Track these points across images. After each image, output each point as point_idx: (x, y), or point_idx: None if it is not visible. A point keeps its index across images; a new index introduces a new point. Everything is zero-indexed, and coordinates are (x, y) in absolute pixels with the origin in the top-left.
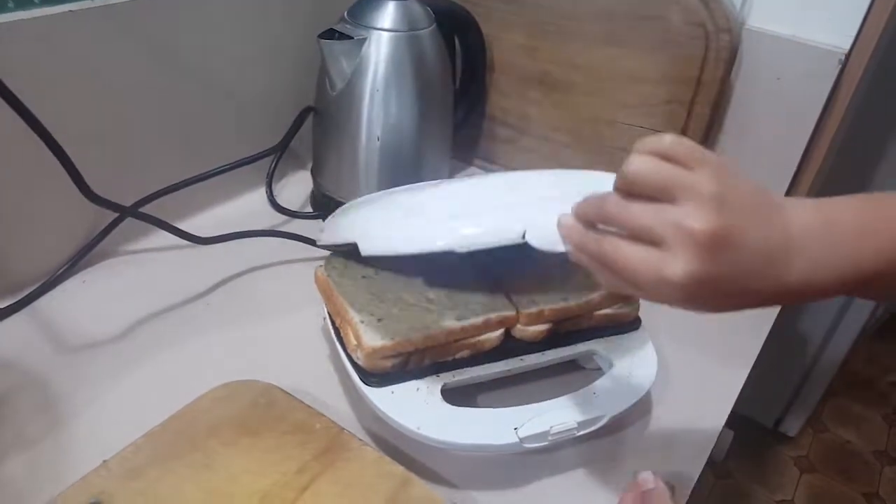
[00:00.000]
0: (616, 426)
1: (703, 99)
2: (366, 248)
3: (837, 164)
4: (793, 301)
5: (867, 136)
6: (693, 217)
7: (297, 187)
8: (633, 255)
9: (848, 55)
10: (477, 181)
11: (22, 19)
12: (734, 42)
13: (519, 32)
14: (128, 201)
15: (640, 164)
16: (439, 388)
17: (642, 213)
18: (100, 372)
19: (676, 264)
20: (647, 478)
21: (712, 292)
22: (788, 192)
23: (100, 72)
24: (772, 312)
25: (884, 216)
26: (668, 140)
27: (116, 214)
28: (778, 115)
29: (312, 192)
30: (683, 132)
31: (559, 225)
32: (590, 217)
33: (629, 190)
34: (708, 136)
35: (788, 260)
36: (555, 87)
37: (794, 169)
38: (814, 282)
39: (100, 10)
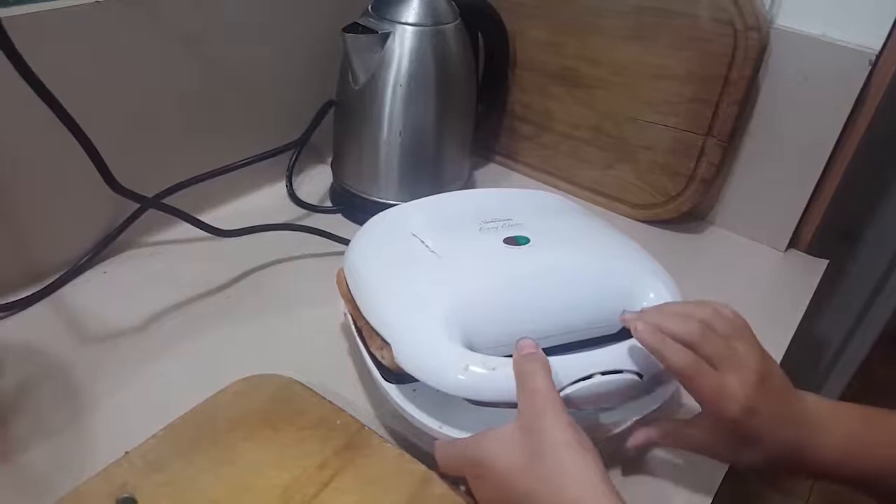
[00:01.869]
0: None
1: (730, 98)
2: (402, 359)
3: (864, 165)
4: (802, 473)
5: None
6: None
7: (316, 181)
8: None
9: (878, 56)
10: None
11: (45, 10)
12: (762, 40)
13: (543, 28)
14: (150, 192)
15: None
16: None
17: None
18: (121, 362)
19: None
20: (527, 342)
21: (754, 419)
22: (813, 195)
23: (123, 63)
24: (795, 318)
25: (885, 420)
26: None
27: (139, 205)
28: (806, 115)
29: (332, 185)
30: (709, 131)
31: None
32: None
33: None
34: (733, 136)
35: (799, 428)
36: (577, 83)
37: (820, 171)
38: (818, 457)
39: (123, 2)
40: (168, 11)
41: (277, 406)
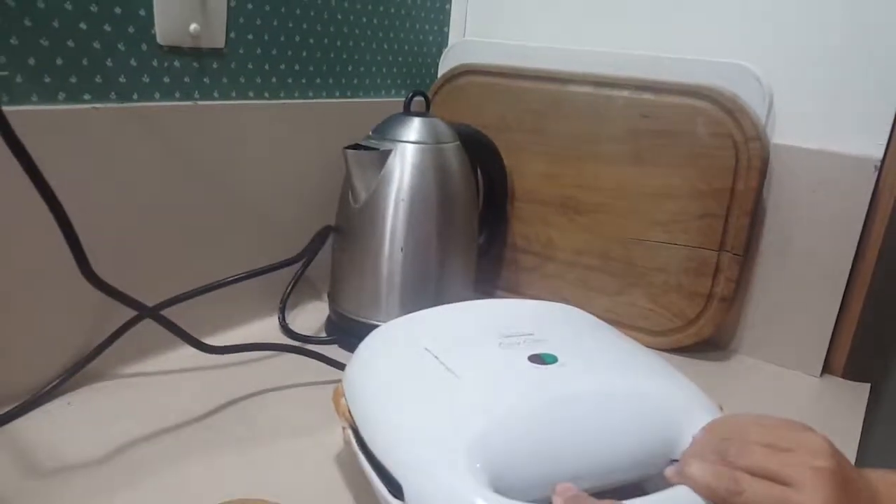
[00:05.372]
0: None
1: (739, 210)
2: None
3: (889, 275)
4: None
5: None
6: (821, 458)
7: (311, 315)
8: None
9: (883, 160)
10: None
11: (45, 110)
12: (764, 150)
13: (540, 161)
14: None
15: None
16: None
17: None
18: None
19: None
20: (568, 486)
21: None
22: (841, 311)
23: (116, 171)
24: (851, 451)
25: None
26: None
27: (134, 314)
28: (819, 226)
29: (328, 317)
30: (722, 245)
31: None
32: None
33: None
34: (748, 250)
35: None
36: (578, 210)
37: (843, 283)
38: None
39: (124, 111)
40: (169, 123)
41: None
